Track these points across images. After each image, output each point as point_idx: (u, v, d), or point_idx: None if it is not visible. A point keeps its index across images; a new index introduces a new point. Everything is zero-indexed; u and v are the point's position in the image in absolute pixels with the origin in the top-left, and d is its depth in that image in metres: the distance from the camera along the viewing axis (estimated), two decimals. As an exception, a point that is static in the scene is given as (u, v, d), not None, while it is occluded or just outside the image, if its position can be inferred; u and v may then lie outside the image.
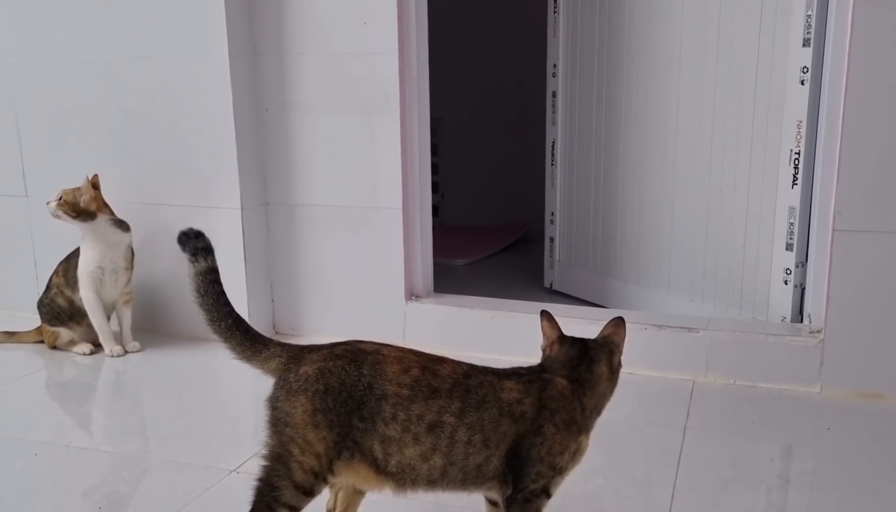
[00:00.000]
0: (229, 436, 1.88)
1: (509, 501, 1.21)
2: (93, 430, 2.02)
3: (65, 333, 2.38)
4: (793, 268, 2.16)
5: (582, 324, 2.23)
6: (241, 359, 1.27)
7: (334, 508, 1.33)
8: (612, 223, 2.73)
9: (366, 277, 2.42)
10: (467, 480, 1.20)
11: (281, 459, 1.20)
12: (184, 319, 2.53)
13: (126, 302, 2.39)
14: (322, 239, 2.45)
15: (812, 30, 2.02)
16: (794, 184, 2.12)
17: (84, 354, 2.37)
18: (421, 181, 2.39)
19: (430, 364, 1.21)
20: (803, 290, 2.16)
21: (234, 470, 1.67)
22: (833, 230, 1.97)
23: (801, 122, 2.08)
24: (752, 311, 2.28)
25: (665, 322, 2.18)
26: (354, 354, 1.21)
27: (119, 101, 2.46)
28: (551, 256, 3.00)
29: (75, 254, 2.36)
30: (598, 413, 1.27)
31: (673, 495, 1.56)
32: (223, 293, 1.29)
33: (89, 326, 2.36)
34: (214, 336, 1.28)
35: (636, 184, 2.62)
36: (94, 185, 2.29)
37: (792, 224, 2.14)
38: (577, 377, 1.24)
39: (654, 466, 1.69)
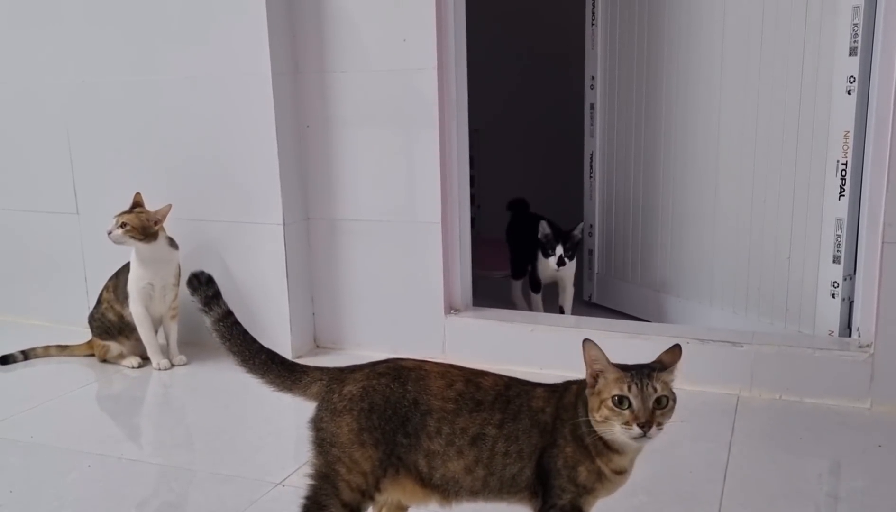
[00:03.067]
0: (274, 448, 1.90)
1: None
2: (142, 442, 2.06)
3: (114, 347, 2.44)
4: (840, 281, 2.12)
5: (622, 338, 2.24)
6: (281, 390, 1.28)
7: None
8: (653, 235, 2.71)
9: (405, 291, 2.43)
10: (503, 490, 1.20)
11: (328, 478, 1.21)
12: (228, 332, 2.57)
13: (173, 317, 2.44)
14: (362, 253, 2.48)
15: (859, 39, 1.99)
16: (840, 195, 2.08)
17: (133, 367, 2.42)
18: (460, 195, 2.41)
19: (472, 377, 1.23)
20: (851, 303, 2.12)
21: (279, 483, 1.70)
22: (883, 242, 1.93)
23: (847, 132, 2.04)
24: (797, 324, 2.24)
25: (709, 336, 2.16)
26: (397, 371, 1.22)
27: (165, 120, 2.52)
28: (590, 269, 2.99)
29: (124, 270, 2.42)
30: (603, 439, 1.20)
31: (719, 511, 1.54)
32: (246, 332, 1.31)
33: (138, 339, 2.41)
34: (252, 375, 1.29)
35: (677, 195, 2.59)
36: (138, 202, 2.35)
37: (839, 236, 2.11)
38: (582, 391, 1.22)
39: (699, 482, 1.67)
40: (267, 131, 2.37)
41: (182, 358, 2.45)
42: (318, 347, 2.58)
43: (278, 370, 1.28)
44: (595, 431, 1.16)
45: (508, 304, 2.80)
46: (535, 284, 2.74)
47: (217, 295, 1.30)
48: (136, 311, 2.36)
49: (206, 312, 1.30)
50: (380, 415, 1.19)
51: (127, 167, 2.61)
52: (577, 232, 2.64)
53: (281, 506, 1.62)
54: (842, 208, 2.08)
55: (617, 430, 1.13)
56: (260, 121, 2.37)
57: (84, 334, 2.53)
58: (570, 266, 2.66)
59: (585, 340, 1.20)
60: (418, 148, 2.34)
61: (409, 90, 2.31)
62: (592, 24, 2.82)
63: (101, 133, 2.64)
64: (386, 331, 2.48)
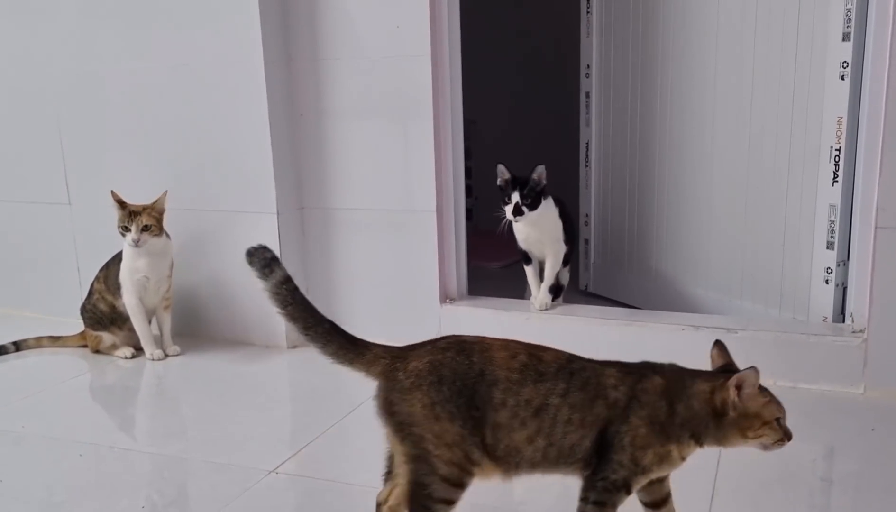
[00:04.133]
0: (268, 438, 1.90)
1: (588, 482, 1.21)
2: (135, 432, 2.05)
3: (107, 338, 2.43)
4: (834, 266, 2.12)
5: (618, 326, 2.24)
6: (341, 363, 1.25)
7: (385, 501, 1.32)
8: (648, 223, 2.70)
9: (401, 280, 2.43)
10: (560, 460, 1.20)
11: (420, 458, 1.20)
12: (222, 323, 2.56)
13: (166, 308, 2.43)
14: (357, 242, 2.47)
15: (852, 24, 1.98)
16: (834, 181, 2.08)
17: (126, 358, 2.42)
18: (455, 184, 2.40)
19: (534, 351, 1.23)
20: (845, 289, 2.12)
21: (272, 471, 1.69)
22: (876, 227, 1.93)
23: (841, 118, 2.04)
24: (792, 310, 2.24)
25: (703, 323, 2.16)
26: (460, 345, 1.22)
27: (157, 109, 2.51)
28: (586, 258, 2.99)
29: (115, 260, 2.41)
30: (692, 431, 1.21)
31: (713, 496, 1.54)
32: (307, 299, 1.27)
33: (131, 330, 2.41)
34: (311, 343, 1.26)
35: (672, 183, 2.59)
36: (120, 200, 2.32)
37: (833, 222, 2.10)
38: (677, 381, 1.23)
39: (692, 467, 1.66)
40: (260, 120, 2.36)
41: (176, 348, 2.44)
42: (312, 336, 2.57)
43: (341, 342, 1.26)
44: (689, 421, 1.19)
45: (505, 292, 2.77)
46: (524, 254, 2.41)
47: (275, 259, 1.28)
48: (130, 302, 2.35)
49: (264, 277, 1.27)
50: (450, 387, 1.18)
51: (119, 157, 2.60)
52: (536, 176, 2.22)
53: (274, 493, 1.62)
54: (835, 194, 2.08)
55: (767, 444, 1.22)
56: (253, 109, 2.36)
57: (77, 325, 2.52)
58: (535, 219, 2.25)
59: (746, 372, 1.22)
60: (413, 136, 2.33)
61: (403, 78, 2.30)
62: (588, 13, 2.81)
63: (92, 122, 2.63)
64: (381, 320, 2.48)
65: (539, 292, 2.36)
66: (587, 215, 2.96)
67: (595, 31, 2.79)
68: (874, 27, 1.91)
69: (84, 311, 2.46)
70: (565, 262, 2.44)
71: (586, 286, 2.98)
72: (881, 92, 1.89)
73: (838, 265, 2.11)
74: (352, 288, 2.50)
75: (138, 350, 2.43)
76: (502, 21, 3.92)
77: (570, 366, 1.21)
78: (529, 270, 2.40)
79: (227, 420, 2.00)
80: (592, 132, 2.87)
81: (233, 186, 2.46)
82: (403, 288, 2.43)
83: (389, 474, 1.31)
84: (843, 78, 2.02)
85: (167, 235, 2.37)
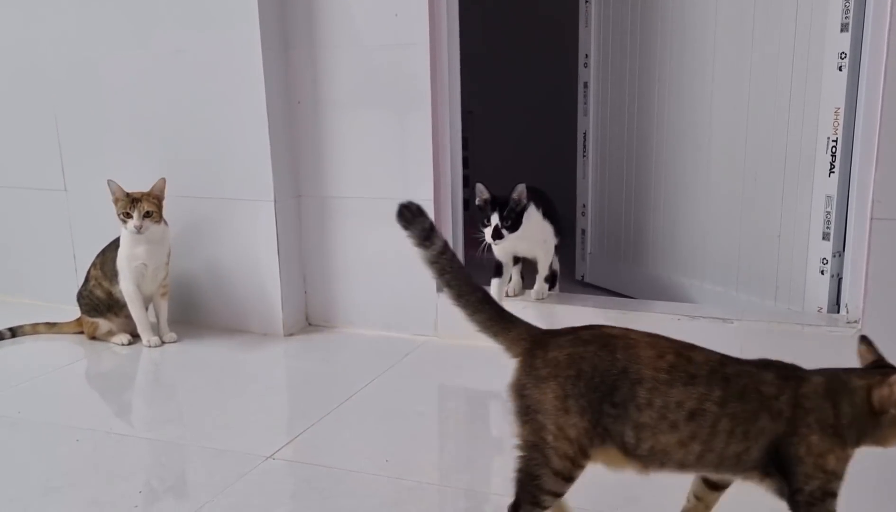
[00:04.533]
0: (264, 424, 1.90)
1: (791, 503, 1.16)
2: (132, 417, 2.05)
3: (104, 324, 2.43)
4: (829, 257, 2.12)
5: (614, 315, 2.25)
6: (486, 333, 1.24)
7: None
8: (645, 214, 2.71)
9: (397, 269, 2.43)
10: (722, 466, 1.16)
11: (536, 447, 1.18)
12: (219, 310, 2.56)
13: (163, 295, 2.43)
14: (354, 231, 2.47)
15: (850, 14, 1.98)
16: (830, 172, 2.09)
17: (123, 345, 2.42)
18: (453, 174, 2.40)
19: (683, 350, 1.17)
20: (840, 279, 2.13)
21: (269, 457, 1.70)
22: (871, 218, 1.94)
23: (838, 109, 2.04)
24: (787, 301, 2.25)
25: (698, 312, 2.16)
26: (604, 339, 1.18)
27: (154, 96, 2.50)
28: (583, 248, 2.99)
29: (111, 246, 2.40)
30: (857, 431, 1.17)
31: (708, 484, 1.54)
32: (462, 267, 1.26)
33: (127, 316, 2.41)
34: (462, 309, 1.24)
35: (669, 173, 2.60)
36: (116, 190, 2.31)
37: (828, 213, 2.11)
38: (835, 380, 1.18)
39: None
40: (258, 108, 2.36)
41: (172, 335, 2.44)
42: (310, 324, 2.58)
43: (490, 313, 1.24)
44: (854, 422, 1.15)
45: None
46: (496, 266, 2.27)
47: (432, 227, 1.25)
48: (127, 289, 2.35)
49: (424, 246, 1.25)
50: (587, 382, 1.15)
51: (115, 143, 2.59)
52: (516, 195, 2.11)
53: (271, 479, 1.62)
54: (832, 185, 2.09)
55: None
56: (251, 97, 2.36)
57: (73, 312, 2.52)
58: (522, 241, 2.16)
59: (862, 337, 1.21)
60: (410, 124, 2.33)
61: (400, 66, 2.30)
62: (586, 2, 2.81)
63: (88, 109, 2.62)
64: (378, 309, 2.48)
65: (535, 284, 2.34)
66: (584, 206, 2.96)
67: (593, 21, 2.79)
68: (872, 18, 1.92)
69: (80, 297, 2.45)
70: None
71: (582, 276, 2.99)
72: (879, 83, 1.89)
73: (834, 256, 2.12)
74: (348, 276, 2.51)
75: (135, 337, 2.43)
76: (500, 10, 3.92)
77: (723, 370, 1.15)
78: (496, 284, 2.25)
79: (224, 407, 2.00)
80: (590, 122, 2.88)
81: (230, 174, 2.45)
82: (400, 277, 2.43)
83: None
84: (840, 69, 2.02)
85: (165, 223, 2.37)
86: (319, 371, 2.26)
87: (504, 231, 2.10)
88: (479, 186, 2.14)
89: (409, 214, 1.25)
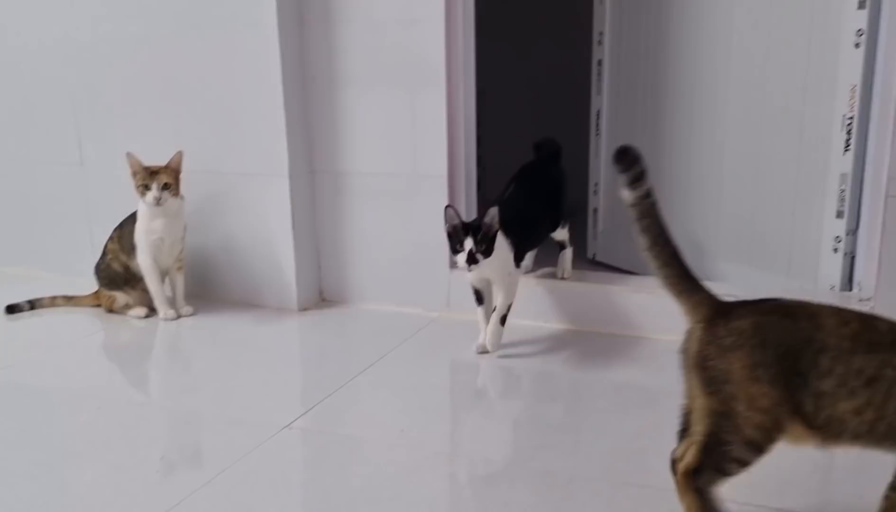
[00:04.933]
0: (280, 395, 1.93)
1: None
2: (150, 387, 2.09)
3: (121, 297, 2.46)
4: (843, 235, 2.13)
5: (626, 292, 2.26)
6: (670, 290, 1.24)
7: (681, 458, 1.28)
8: (658, 191, 2.70)
9: (410, 246, 2.45)
10: (888, 437, 1.14)
11: (725, 416, 1.17)
12: (233, 285, 2.59)
13: (179, 269, 2.45)
14: (368, 207, 2.48)
15: (868, -9, 1.98)
16: (846, 150, 2.08)
17: (140, 318, 2.45)
18: (466, 151, 2.41)
19: (866, 319, 1.16)
20: (853, 258, 2.13)
21: (286, 426, 1.72)
22: (886, 196, 1.94)
23: (854, 86, 2.04)
24: (800, 279, 2.26)
25: (710, 289, 2.17)
26: (786, 309, 1.18)
27: (170, 71, 2.52)
28: (594, 227, 3.00)
29: (129, 220, 2.43)
30: None
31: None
32: (662, 216, 1.26)
33: (144, 290, 2.43)
34: (652, 261, 1.24)
35: (683, 151, 2.59)
36: (137, 162, 2.33)
37: (843, 191, 2.11)
38: None
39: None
40: (273, 83, 2.37)
41: (188, 309, 2.47)
42: (323, 300, 2.60)
43: (679, 271, 1.24)
44: None
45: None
46: (476, 293, 2.15)
47: (644, 174, 1.26)
48: (144, 263, 2.38)
49: (632, 188, 1.26)
50: (774, 351, 1.14)
51: (131, 118, 2.61)
52: (488, 220, 2.00)
53: (288, 447, 1.65)
54: (846, 163, 2.09)
55: None
56: (266, 72, 2.37)
57: (89, 285, 2.55)
58: (489, 266, 2.03)
59: None
60: (425, 100, 2.34)
61: (415, 41, 2.30)
62: (600, -20, 2.80)
63: (104, 83, 2.64)
64: (391, 285, 2.50)
65: (488, 326, 2.14)
66: (596, 184, 2.96)
67: (608, -1, 2.78)
68: (890, -5, 1.91)
69: (98, 271, 2.48)
70: (567, 225, 2.40)
71: (594, 255, 2.99)
72: (895, 60, 1.89)
73: (847, 234, 2.12)
74: (361, 252, 2.52)
75: (152, 310, 2.46)
76: (514, -11, 3.90)
77: None
78: (480, 312, 2.16)
79: (240, 378, 2.03)
80: (604, 101, 2.87)
81: (245, 149, 2.47)
82: (412, 253, 2.45)
83: (685, 432, 1.27)
84: (857, 46, 2.02)
85: (182, 197, 2.39)
86: (333, 345, 2.28)
87: (479, 256, 1.99)
88: (450, 211, 2.01)
89: (628, 159, 1.26)
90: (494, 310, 2.13)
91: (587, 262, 2.98)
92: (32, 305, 2.51)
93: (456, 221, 2.02)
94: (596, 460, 1.56)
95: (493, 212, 2.01)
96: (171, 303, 2.46)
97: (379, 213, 2.47)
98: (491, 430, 1.76)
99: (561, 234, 2.39)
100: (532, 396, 1.94)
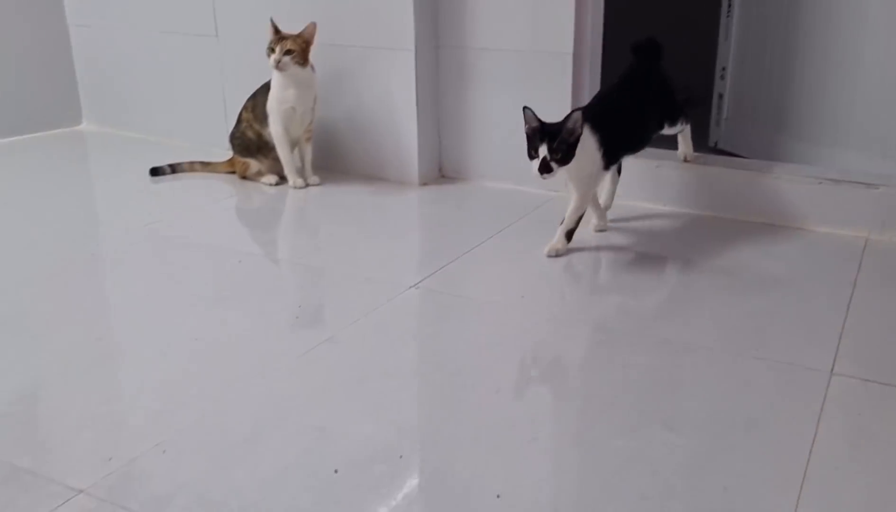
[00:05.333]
0: (407, 259, 2.04)
1: None
2: (283, 247, 2.23)
3: (254, 165, 2.60)
4: None
5: (750, 176, 2.22)
6: None
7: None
8: (790, 77, 2.60)
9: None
10: None
11: None
12: (357, 158, 2.68)
13: (308, 139, 2.56)
14: (491, 83, 2.49)
15: None
16: None
17: (270, 185, 2.58)
18: (593, 26, 2.36)
19: None
20: None
21: (413, 286, 1.82)
22: None
23: None
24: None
25: (842, 177, 2.10)
26: None
27: (301, -57, 2.55)
28: (718, 113, 2.91)
29: (262, 90, 2.53)
30: None
31: (840, 336, 1.57)
32: None
33: (275, 159, 2.56)
34: None
35: (820, 35, 2.46)
36: (278, 28, 2.41)
37: None
38: None
39: (820, 313, 1.69)
40: (401, -45, 2.37)
41: (316, 178, 2.59)
42: (443, 176, 2.66)
43: None
44: None
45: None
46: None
47: None
48: (276, 131, 2.49)
49: None
50: None
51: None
52: (570, 125, 1.84)
53: (415, 304, 1.75)
54: None
55: None
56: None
57: (221, 155, 2.69)
58: (569, 167, 1.87)
59: None
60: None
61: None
62: None
63: (239, -44, 2.70)
64: (510, 163, 2.51)
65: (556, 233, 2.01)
66: (723, 68, 2.86)
67: None
68: None
69: (233, 138, 2.62)
70: (685, 118, 2.24)
71: (716, 143, 2.92)
72: None
73: None
74: (482, 129, 2.55)
75: (282, 178, 2.59)
76: None
77: None
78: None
79: (366, 244, 2.14)
80: (739, -21, 2.73)
81: (372, 22, 2.50)
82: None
83: None
84: None
85: (312, 68, 2.47)
86: (454, 217, 2.36)
87: (553, 164, 1.83)
88: (528, 113, 1.86)
89: None
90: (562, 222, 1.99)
91: (709, 150, 2.91)
92: (173, 168, 2.68)
93: (535, 124, 1.86)
94: (713, 332, 1.60)
95: (577, 116, 1.85)
96: (300, 172, 2.58)
97: (502, 90, 2.48)
98: (609, 300, 1.81)
99: (676, 129, 2.22)
100: (650, 272, 1.97)
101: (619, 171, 2.21)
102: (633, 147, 2.10)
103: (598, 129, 1.91)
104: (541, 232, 2.11)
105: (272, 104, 2.47)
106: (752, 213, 2.21)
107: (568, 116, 1.85)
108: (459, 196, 2.52)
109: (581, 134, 1.86)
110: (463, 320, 1.69)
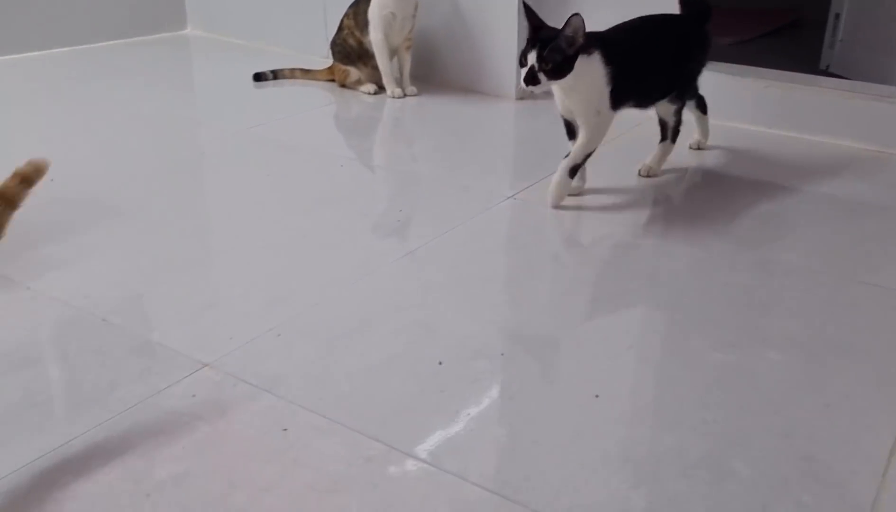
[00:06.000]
0: (504, 171, 2.05)
1: None
2: (383, 154, 2.27)
3: (353, 72, 2.63)
4: None
5: (866, 100, 2.12)
6: None
7: None
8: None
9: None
10: None
11: None
12: (454, 70, 2.68)
13: (407, 48, 2.56)
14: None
15: None
16: None
17: (369, 93, 2.61)
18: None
19: None
20: None
21: (511, 196, 1.84)
22: None
23: None
24: None
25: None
26: None
27: None
28: (833, 35, 2.77)
29: (364, -3, 2.54)
30: None
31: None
32: None
33: (374, 68, 2.58)
34: None
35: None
36: None
37: None
38: None
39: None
40: None
41: (413, 89, 2.60)
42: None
43: None
44: None
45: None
46: (566, 125, 1.81)
47: None
48: (375, 38, 2.50)
49: None
50: None
51: None
52: (570, 32, 1.57)
53: (514, 213, 1.78)
54: None
55: None
56: None
57: (320, 63, 2.73)
58: (573, 94, 1.67)
59: None
60: None
61: None
62: None
63: None
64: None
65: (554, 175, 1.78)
66: (842, -12, 2.70)
67: None
68: None
69: (334, 45, 2.65)
70: (697, 102, 2.02)
71: (827, 66, 2.79)
72: None
73: None
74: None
75: (380, 88, 2.62)
76: None
77: None
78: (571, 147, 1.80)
79: (463, 154, 2.16)
80: None
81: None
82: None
83: None
84: None
85: (414, -25, 2.46)
86: (549, 133, 2.34)
87: (541, 76, 1.58)
88: (526, 7, 1.63)
89: None
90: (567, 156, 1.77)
91: (820, 73, 2.78)
92: (275, 74, 2.74)
93: (533, 22, 1.61)
94: (816, 256, 1.57)
95: (577, 21, 1.56)
96: (398, 82, 2.60)
97: (605, 5, 2.41)
98: (706, 220, 1.79)
99: (668, 109, 1.91)
100: (749, 196, 1.93)
101: (704, 110, 2.07)
102: (640, 98, 1.82)
103: (611, 62, 1.65)
104: (638, 150, 2.09)
105: (373, 10, 2.48)
106: (862, 139, 2.13)
107: (567, 22, 1.57)
108: (556, 112, 2.48)
109: (581, 45, 1.59)
110: (559, 231, 1.71)
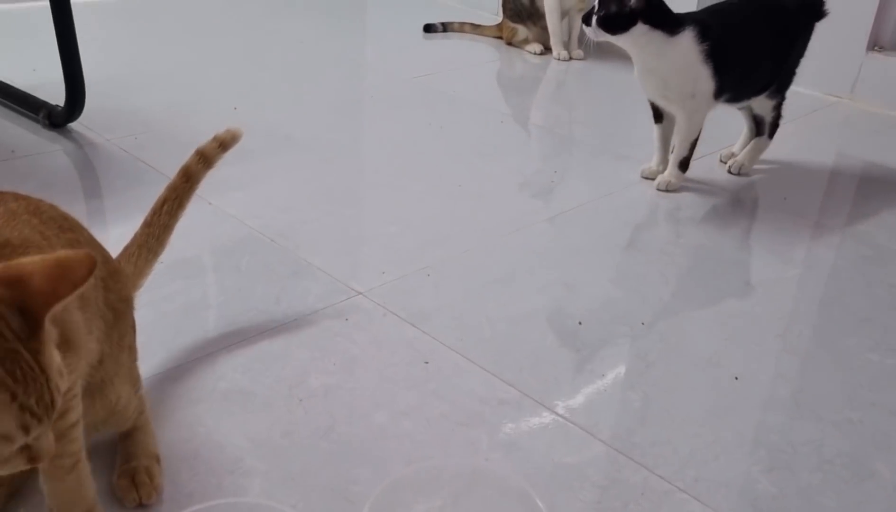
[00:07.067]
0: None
1: None
2: (542, 115, 2.28)
3: (521, 31, 2.64)
4: None
5: None
6: None
7: None
8: None
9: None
10: None
11: None
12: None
13: (580, 10, 2.53)
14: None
15: None
16: None
17: (534, 53, 2.62)
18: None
19: None
20: None
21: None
22: None
23: None
24: None
25: None
26: None
27: None
28: None
29: (541, -43, 2.53)
30: None
31: None
32: None
33: (543, 28, 2.58)
34: None
35: None
36: None
37: None
38: None
39: None
40: None
41: (579, 53, 2.58)
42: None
43: None
44: None
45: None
46: (653, 108, 1.75)
47: None
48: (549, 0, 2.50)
49: None
50: None
51: None
52: None
53: (648, 198, 1.75)
54: None
55: None
56: None
57: (490, 21, 2.75)
58: (665, 67, 1.60)
59: None
60: None
61: None
62: None
63: None
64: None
65: (664, 164, 1.77)
66: None
67: None
68: None
69: (506, 3, 2.66)
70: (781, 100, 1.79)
71: None
72: None
73: None
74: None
75: (546, 49, 2.62)
76: None
77: None
78: (656, 131, 1.77)
79: (623, 123, 2.13)
80: None
81: None
82: (823, 27, 2.25)
83: None
84: None
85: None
86: (714, 113, 2.26)
87: (593, 19, 1.56)
88: None
89: None
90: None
91: None
92: (445, 27, 2.79)
93: None
94: None
95: None
96: (566, 45, 2.59)
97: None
98: (876, 214, 1.69)
99: (766, 104, 1.78)
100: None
101: (770, 133, 1.81)
102: (739, 86, 1.70)
103: (706, 40, 1.58)
104: (809, 142, 1.99)
105: (550, -29, 2.47)
106: None
107: None
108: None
109: (640, 9, 1.53)
110: (715, 209, 1.66)
